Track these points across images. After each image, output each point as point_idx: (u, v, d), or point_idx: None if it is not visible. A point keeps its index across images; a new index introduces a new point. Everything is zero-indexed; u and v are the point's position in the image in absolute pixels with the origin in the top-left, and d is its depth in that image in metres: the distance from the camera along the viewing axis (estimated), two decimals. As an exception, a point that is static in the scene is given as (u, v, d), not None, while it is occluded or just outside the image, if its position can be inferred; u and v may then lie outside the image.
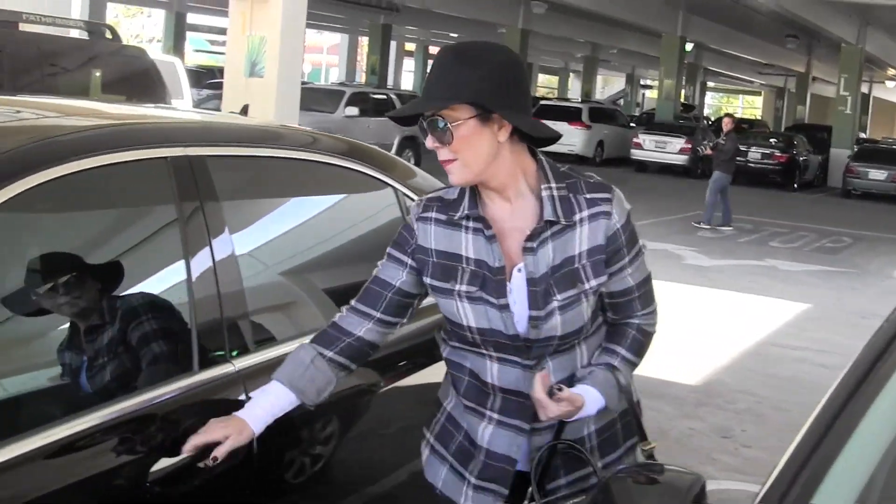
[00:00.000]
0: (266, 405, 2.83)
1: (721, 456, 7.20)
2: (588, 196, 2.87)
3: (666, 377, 8.69)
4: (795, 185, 33.04)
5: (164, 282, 3.21)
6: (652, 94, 73.70)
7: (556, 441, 2.91)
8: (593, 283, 2.85)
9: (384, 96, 29.05)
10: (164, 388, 2.87)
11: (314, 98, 24.51)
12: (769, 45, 46.17)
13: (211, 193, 3.13)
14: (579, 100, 45.63)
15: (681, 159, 34.21)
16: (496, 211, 2.89)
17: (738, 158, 24.09)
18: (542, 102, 38.06)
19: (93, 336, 2.98)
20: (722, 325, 11.68)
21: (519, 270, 2.84)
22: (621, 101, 66.12)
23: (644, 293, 2.99)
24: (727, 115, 26.78)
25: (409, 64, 64.58)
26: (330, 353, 2.90)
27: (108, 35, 11.38)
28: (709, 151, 22.99)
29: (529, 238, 2.83)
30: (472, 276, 2.85)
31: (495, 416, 2.93)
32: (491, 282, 2.83)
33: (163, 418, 2.83)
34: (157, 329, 3.01)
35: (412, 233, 2.93)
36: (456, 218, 2.87)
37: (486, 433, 2.95)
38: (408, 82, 61.43)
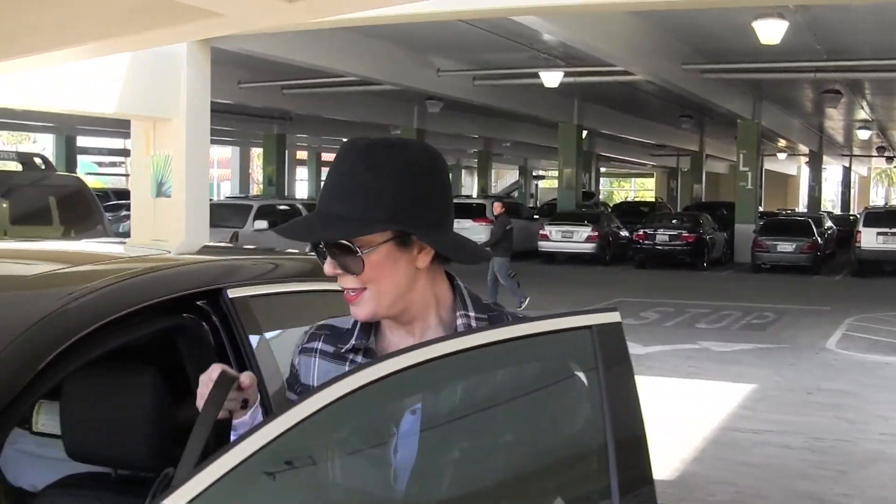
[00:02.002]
0: None
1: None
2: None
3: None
4: (705, 264, 33.23)
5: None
6: (545, 184, 74.42)
7: None
8: None
9: (289, 207, 28.94)
10: None
11: (221, 214, 24.24)
12: (663, 127, 46.74)
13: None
14: (475, 196, 45.71)
15: (589, 247, 34.24)
16: (394, 344, 2.41)
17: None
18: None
19: None
20: (675, 413, 11.44)
21: (413, 413, 2.28)
22: (515, 193, 66.65)
23: None
24: (497, 199, 27.06)
25: (301, 172, 64.57)
26: None
27: (41, 164, 11.04)
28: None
29: None
30: None
31: None
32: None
33: None
34: None
35: (294, 369, 2.52)
36: (343, 351, 2.43)
37: None
38: (302, 191, 61.34)
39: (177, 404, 3.03)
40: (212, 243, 10.75)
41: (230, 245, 6.86)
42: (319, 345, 2.48)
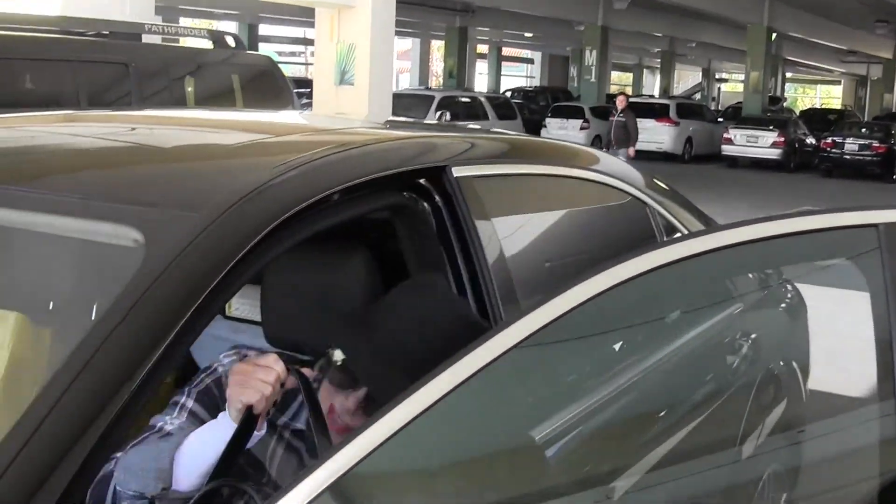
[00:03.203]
0: None
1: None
2: None
3: None
4: (894, 177, 31.94)
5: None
6: (728, 88, 72.80)
7: None
8: None
9: (470, 99, 28.67)
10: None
11: (403, 104, 24.01)
12: (855, 31, 45.00)
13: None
14: (657, 96, 44.89)
15: (774, 153, 33.22)
16: None
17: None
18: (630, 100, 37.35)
19: None
20: None
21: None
22: (697, 96, 65.25)
23: None
24: (621, 93, 25.99)
25: (481, 66, 64.16)
26: None
27: (232, 43, 10.85)
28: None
29: None
30: None
31: None
32: None
33: None
34: None
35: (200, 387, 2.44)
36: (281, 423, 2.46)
37: None
38: (481, 84, 61.00)
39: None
40: (395, 118, 10.52)
41: (414, 121, 6.55)
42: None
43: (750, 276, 2.76)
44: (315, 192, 2.22)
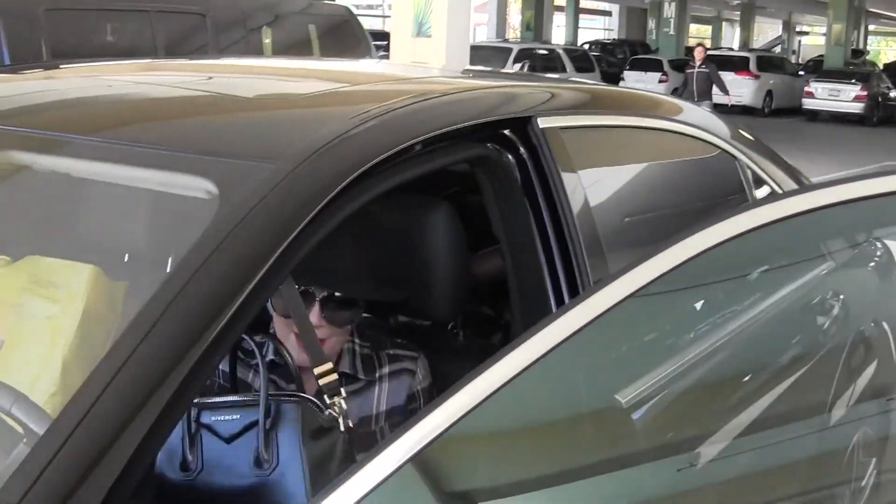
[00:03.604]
0: None
1: None
2: (391, 352, 2.73)
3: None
4: None
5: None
6: (809, 41, 71.79)
7: None
8: None
9: (548, 51, 28.53)
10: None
11: (480, 56, 23.91)
12: (941, -17, 44.23)
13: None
14: (736, 49, 44.39)
15: (856, 107, 32.74)
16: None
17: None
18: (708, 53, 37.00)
19: None
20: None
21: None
22: (777, 49, 64.41)
23: None
24: (699, 44, 25.64)
25: (558, 19, 63.73)
26: None
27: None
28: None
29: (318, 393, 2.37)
30: None
31: None
32: None
33: None
34: None
35: None
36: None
37: None
38: (559, 37, 60.61)
39: (471, 251, 2.68)
40: (474, 67, 10.41)
41: (494, 70, 6.43)
42: None
43: (840, 234, 2.68)
44: (395, 143, 2.14)
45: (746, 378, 2.40)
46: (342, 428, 2.26)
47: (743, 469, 2.16)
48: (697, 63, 21.69)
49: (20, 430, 1.82)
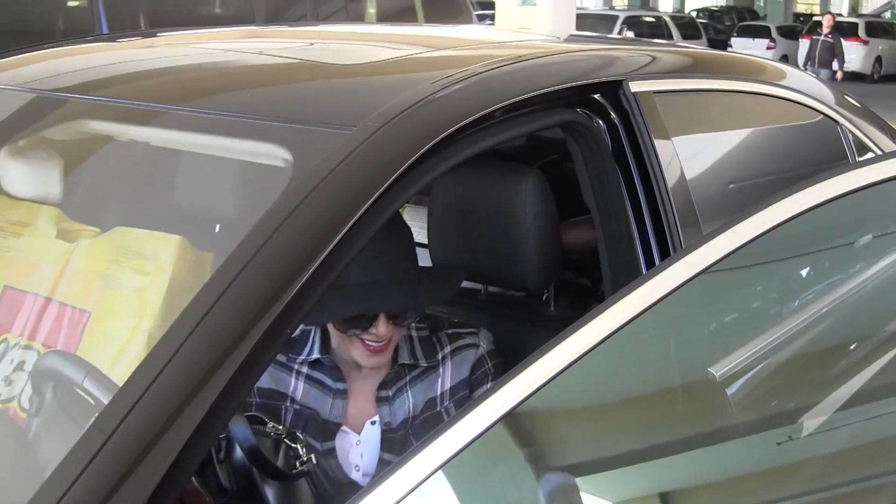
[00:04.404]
0: None
1: None
2: (450, 332, 2.63)
3: None
4: None
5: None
6: (921, 5, 70.27)
7: None
8: None
9: (655, 18, 28.46)
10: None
11: (587, 24, 23.87)
12: None
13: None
14: (845, 14, 43.71)
15: (971, 75, 32.06)
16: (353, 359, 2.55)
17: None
18: (814, 19, 36.54)
19: None
20: None
21: (373, 423, 2.56)
22: (887, 14, 63.18)
23: None
24: (827, 12, 25.34)
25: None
26: None
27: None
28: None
29: (382, 386, 2.55)
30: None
31: None
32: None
33: None
34: None
35: None
36: (299, 360, 2.58)
37: None
38: (666, 4, 60.06)
39: (562, 220, 2.61)
40: (578, 32, 10.30)
41: (590, 34, 6.32)
42: None
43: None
44: (479, 108, 2.07)
45: (849, 349, 2.32)
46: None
47: (845, 443, 2.09)
48: (825, 32, 21.39)
49: (92, 402, 1.81)
